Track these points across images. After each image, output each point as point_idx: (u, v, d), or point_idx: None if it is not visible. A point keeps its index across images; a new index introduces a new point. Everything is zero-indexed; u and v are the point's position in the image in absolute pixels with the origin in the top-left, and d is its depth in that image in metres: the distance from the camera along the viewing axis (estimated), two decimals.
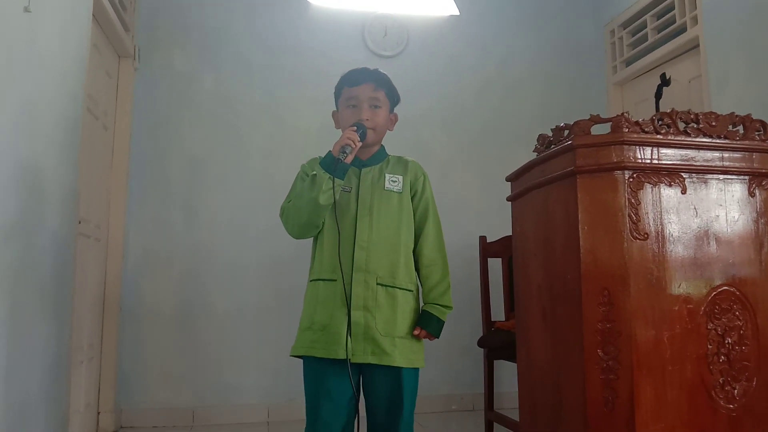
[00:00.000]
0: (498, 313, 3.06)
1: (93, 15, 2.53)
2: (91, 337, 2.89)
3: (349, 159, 1.64)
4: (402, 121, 3.64)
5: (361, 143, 1.68)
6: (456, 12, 2.91)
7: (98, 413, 3.01)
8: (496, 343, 2.82)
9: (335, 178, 1.62)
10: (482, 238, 3.05)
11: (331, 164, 1.63)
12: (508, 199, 1.87)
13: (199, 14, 3.48)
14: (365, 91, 1.76)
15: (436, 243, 1.79)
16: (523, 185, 1.75)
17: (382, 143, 1.84)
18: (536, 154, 1.69)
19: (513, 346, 1.87)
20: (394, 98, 1.84)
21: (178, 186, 3.36)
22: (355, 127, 1.68)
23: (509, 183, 1.87)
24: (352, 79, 1.78)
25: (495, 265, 3.06)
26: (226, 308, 3.31)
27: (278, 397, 3.26)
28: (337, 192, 1.63)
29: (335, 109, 1.86)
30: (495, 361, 2.93)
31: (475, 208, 3.58)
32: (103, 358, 3.07)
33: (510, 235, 1.90)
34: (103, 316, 3.08)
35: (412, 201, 1.78)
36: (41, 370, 2.01)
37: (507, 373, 3.04)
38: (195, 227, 3.34)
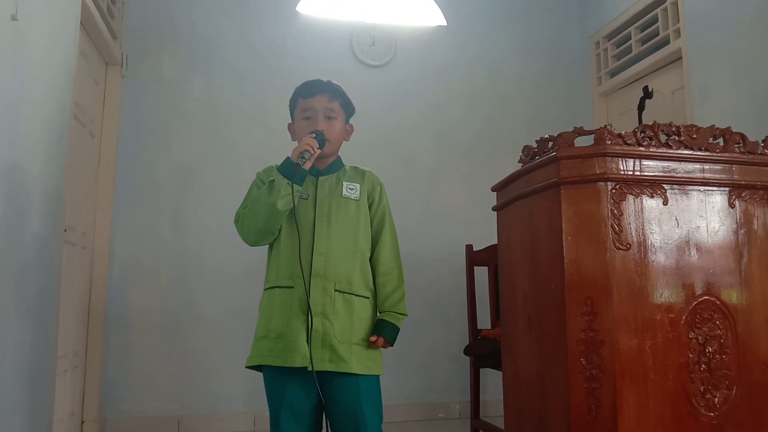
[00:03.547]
0: (484, 321, 3.08)
1: (81, 23, 2.53)
2: (76, 346, 2.87)
3: (308, 165, 1.64)
4: (390, 129, 3.65)
5: (320, 150, 1.67)
6: (443, 23, 2.92)
7: (82, 422, 2.98)
8: (482, 351, 2.83)
9: (293, 184, 1.61)
10: (468, 247, 3.06)
11: (290, 170, 1.62)
12: (493, 209, 1.89)
13: (188, 22, 3.48)
14: (320, 102, 1.76)
15: (392, 251, 1.79)
16: (509, 195, 1.77)
17: (339, 154, 1.83)
18: (521, 165, 1.71)
19: (499, 354, 1.88)
20: (348, 109, 1.83)
21: (166, 193, 3.35)
22: (314, 134, 1.68)
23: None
24: (306, 91, 1.78)
25: (482, 273, 3.08)
26: (214, 316, 3.30)
27: (264, 405, 3.22)
28: (295, 198, 1.63)
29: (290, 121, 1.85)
30: (481, 370, 2.94)
31: (464, 217, 3.58)
32: (88, 366, 3.04)
33: (496, 244, 1.92)
34: (88, 324, 3.05)
35: (369, 210, 1.79)
36: (24, 377, 1.99)
37: (493, 381, 3.05)
38: (183, 235, 3.33)
